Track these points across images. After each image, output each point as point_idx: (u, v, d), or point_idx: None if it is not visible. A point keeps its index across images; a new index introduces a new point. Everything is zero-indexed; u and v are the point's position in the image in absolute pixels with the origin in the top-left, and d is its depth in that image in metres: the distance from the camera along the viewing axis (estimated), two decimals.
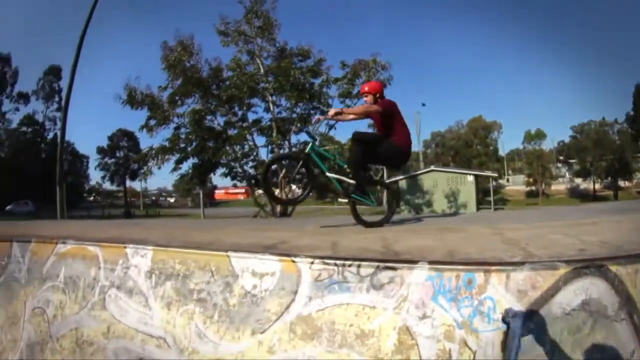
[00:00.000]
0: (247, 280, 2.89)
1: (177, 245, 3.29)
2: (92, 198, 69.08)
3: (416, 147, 53.13)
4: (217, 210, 46.28)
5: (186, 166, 13.01)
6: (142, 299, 3.22)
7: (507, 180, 66.88)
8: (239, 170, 13.37)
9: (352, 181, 4.32)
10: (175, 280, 3.13)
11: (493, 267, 2.34)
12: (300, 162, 4.34)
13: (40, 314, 3.61)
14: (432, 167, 27.25)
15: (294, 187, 12.75)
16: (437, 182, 24.64)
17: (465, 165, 52.39)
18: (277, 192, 10.93)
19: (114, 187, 67.60)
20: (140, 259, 3.34)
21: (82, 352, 3.32)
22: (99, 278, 3.46)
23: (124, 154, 60.50)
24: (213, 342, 2.83)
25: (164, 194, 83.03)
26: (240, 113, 13.19)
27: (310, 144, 4.42)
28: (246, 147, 12.90)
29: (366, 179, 4.34)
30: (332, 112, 4.35)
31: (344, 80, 12.73)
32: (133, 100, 12.41)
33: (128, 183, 63.72)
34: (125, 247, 3.43)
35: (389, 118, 4.26)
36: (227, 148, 12.40)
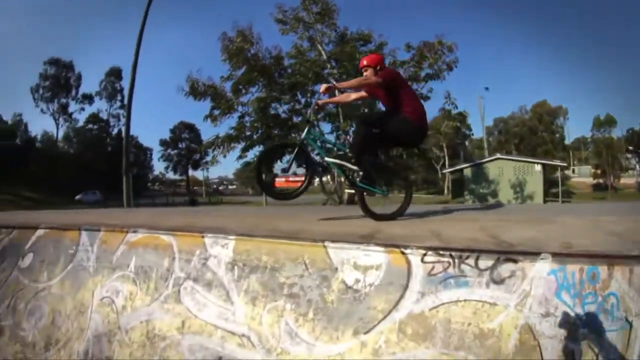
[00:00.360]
0: (348, 274, 2.64)
1: (264, 235, 3.06)
2: (156, 187, 74.17)
3: (480, 133, 51.85)
4: None
5: (252, 154, 13.12)
6: (222, 293, 3.01)
7: (573, 171, 61.53)
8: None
9: (354, 167, 3.89)
10: (261, 273, 2.91)
11: (617, 261, 2.14)
12: (296, 149, 3.95)
13: (108, 304, 3.46)
14: (498, 155, 26.28)
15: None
16: (502, 170, 23.69)
17: (530, 154, 48.06)
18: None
19: (176, 177, 72.72)
20: (220, 250, 3.13)
21: (152, 346, 3.13)
22: (173, 269, 3.28)
23: (185, 145, 65.92)
24: (307, 343, 2.58)
25: (224, 182, 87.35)
26: (304, 100, 13.16)
27: (307, 129, 4.04)
28: None
29: (373, 164, 3.91)
30: (323, 87, 3.88)
31: (410, 63, 12.50)
32: (196, 91, 12.62)
33: (190, 172, 69.08)
34: (203, 237, 3.24)
35: (394, 90, 3.83)
36: (294, 135, 12.32)
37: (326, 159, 4.02)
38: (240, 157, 13.18)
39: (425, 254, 2.46)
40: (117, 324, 3.36)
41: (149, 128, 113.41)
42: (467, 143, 61.60)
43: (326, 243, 2.77)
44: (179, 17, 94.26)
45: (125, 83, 49.75)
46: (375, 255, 2.60)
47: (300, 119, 12.79)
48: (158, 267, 3.34)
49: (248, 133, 12.65)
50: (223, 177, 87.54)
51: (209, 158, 13.77)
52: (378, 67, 3.94)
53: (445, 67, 12.91)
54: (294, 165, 3.99)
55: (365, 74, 3.95)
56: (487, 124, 56.24)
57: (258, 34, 12.88)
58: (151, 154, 67.39)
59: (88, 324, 3.51)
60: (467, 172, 25.17)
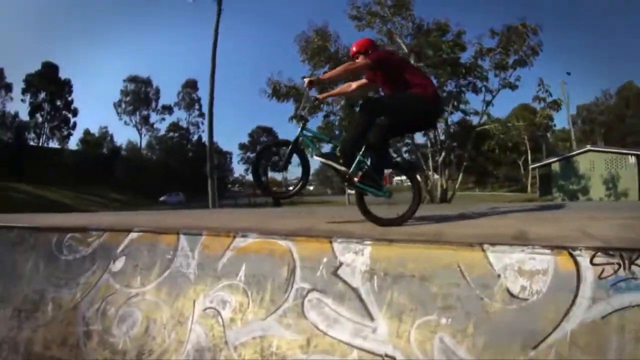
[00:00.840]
0: (513, 281, 2.36)
1: (407, 239, 2.77)
2: (236, 188, 78.77)
3: (563, 123, 48.78)
4: None
5: None
6: (358, 307, 2.71)
7: None
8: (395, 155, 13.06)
9: (342, 168, 3.56)
10: (408, 283, 2.62)
11: None
12: (290, 148, 3.77)
13: (213, 315, 3.19)
14: (589, 147, 24.38)
15: None
16: (594, 164, 21.98)
17: (618, 144, 43.59)
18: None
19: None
20: (353, 257, 2.83)
21: None
22: (294, 279, 3.00)
23: None
24: None
25: None
26: None
27: (301, 126, 3.84)
28: None
29: (377, 163, 3.57)
30: (306, 81, 3.61)
31: (497, 50, 12.14)
32: (278, 93, 12.62)
33: (269, 174, 73.01)
34: (331, 241, 2.93)
35: (392, 72, 3.50)
36: None
37: (314, 157, 3.78)
38: None
39: (594, 255, 2.22)
40: (223, 339, 3.08)
41: (228, 133, 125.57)
42: (549, 135, 53.86)
43: (485, 246, 2.49)
44: (251, 21, 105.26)
45: (201, 93, 62.91)
46: (541, 259, 2.34)
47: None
48: (275, 277, 3.07)
49: (337, 132, 12.44)
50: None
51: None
52: (369, 52, 3.66)
53: (530, 52, 12.41)
54: (293, 164, 3.89)
55: (357, 62, 3.67)
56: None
57: (335, 32, 13.00)
58: (231, 158, 75.37)
59: (188, 336, 3.23)
60: (555, 167, 23.60)
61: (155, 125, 64.80)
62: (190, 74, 79.76)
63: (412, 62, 12.05)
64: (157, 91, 63.72)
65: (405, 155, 13.33)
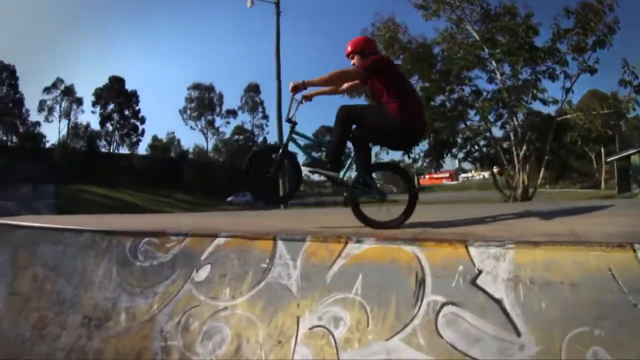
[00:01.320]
0: None
1: (556, 241, 2.58)
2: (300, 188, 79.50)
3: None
4: (428, 195, 44.81)
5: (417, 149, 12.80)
6: (502, 320, 2.41)
7: None
8: (472, 149, 12.47)
9: (330, 173, 3.59)
10: (557, 291, 2.36)
11: None
12: (280, 153, 3.77)
13: (322, 335, 2.87)
14: None
15: None
16: None
17: None
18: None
19: (321, 178, 77.10)
20: (494, 262, 2.60)
21: None
22: (424, 291, 2.70)
23: None
24: None
25: None
26: (464, 88, 12.64)
27: (289, 130, 3.83)
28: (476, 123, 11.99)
29: (366, 166, 3.57)
30: (290, 86, 3.53)
31: (574, 31, 11.52)
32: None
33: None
34: (467, 245, 2.71)
35: (382, 81, 3.42)
36: (463, 126, 11.60)
37: (302, 167, 3.82)
38: (406, 153, 12.88)
39: None
40: None
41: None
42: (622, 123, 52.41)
43: (636, 246, 2.27)
44: (312, 18, 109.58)
45: (264, 96, 69.45)
46: None
47: (460, 108, 12.17)
48: (399, 289, 2.77)
49: None
50: None
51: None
52: (366, 52, 3.59)
53: (607, 30, 11.67)
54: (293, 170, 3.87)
55: (352, 62, 3.62)
56: None
57: (403, 22, 12.88)
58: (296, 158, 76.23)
59: (291, 358, 2.90)
60: (635, 160, 22.27)
61: (220, 129, 69.98)
62: (252, 78, 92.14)
63: (485, 50, 11.61)
64: (221, 96, 68.85)
65: (483, 150, 12.61)
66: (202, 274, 3.59)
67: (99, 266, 4.08)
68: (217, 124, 69.28)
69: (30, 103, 65.97)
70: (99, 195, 43.93)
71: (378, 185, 3.60)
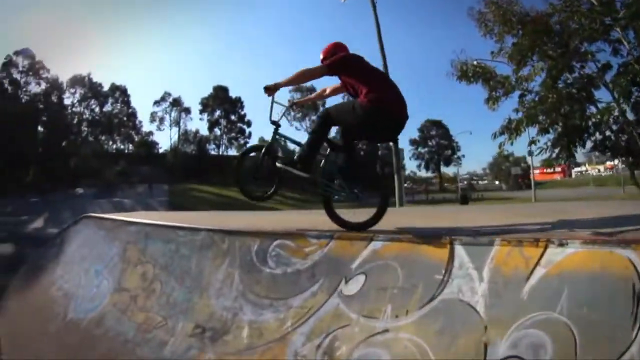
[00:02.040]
0: None
1: None
2: (406, 185, 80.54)
3: None
4: (540, 192, 41.27)
5: (544, 139, 11.11)
6: None
7: None
8: (604, 136, 10.72)
9: (301, 173, 3.62)
10: None
11: None
12: (262, 153, 3.88)
13: None
14: None
15: None
16: None
17: None
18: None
19: (428, 174, 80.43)
20: None
21: None
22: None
23: (435, 142, 74.31)
24: None
25: (474, 177, 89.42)
26: (586, 64, 10.96)
27: (273, 131, 3.94)
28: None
29: (335, 166, 3.68)
30: (265, 89, 3.70)
31: None
32: (466, 74, 11.69)
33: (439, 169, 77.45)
34: None
35: (351, 77, 3.55)
36: (594, 110, 10.10)
37: (277, 164, 3.83)
38: (532, 142, 11.16)
39: None
40: None
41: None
42: None
43: None
44: (409, 10, 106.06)
45: None
46: None
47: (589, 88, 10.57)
48: (612, 305, 1.96)
49: (541, 117, 10.68)
50: (472, 172, 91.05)
51: (460, 153, 12.24)
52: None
53: None
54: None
55: None
56: None
57: None
58: (403, 154, 77.50)
59: None
60: None
61: None
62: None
63: (607, 16, 9.88)
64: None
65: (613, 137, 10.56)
66: (353, 286, 2.86)
67: (217, 270, 3.55)
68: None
69: (143, 115, 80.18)
70: (209, 193, 47.50)
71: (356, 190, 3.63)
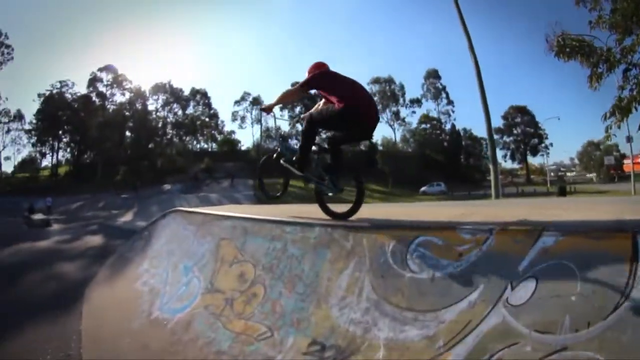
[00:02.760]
0: None
1: None
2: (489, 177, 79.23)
3: None
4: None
5: None
6: None
7: None
8: None
9: (297, 172, 4.17)
10: None
11: None
12: (274, 155, 4.59)
13: None
14: None
15: None
16: None
17: None
18: None
19: (514, 165, 77.42)
20: None
21: None
22: None
23: (520, 130, 69.50)
24: None
25: (562, 168, 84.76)
26: None
27: (280, 141, 4.67)
28: None
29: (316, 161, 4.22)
30: (261, 110, 4.54)
31: None
32: (563, 49, 10.81)
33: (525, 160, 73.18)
34: None
35: (325, 90, 4.01)
36: None
37: (281, 162, 4.43)
38: None
39: None
40: None
41: (480, 117, 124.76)
42: None
43: None
44: None
45: (445, 81, 69.97)
46: None
47: None
48: None
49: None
50: (559, 163, 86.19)
51: (547, 141, 11.10)
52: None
53: None
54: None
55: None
56: None
57: None
58: (486, 144, 73.15)
59: None
60: None
61: (406, 120, 70.87)
62: (430, 64, 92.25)
63: None
64: (402, 87, 70.18)
65: None
66: (523, 293, 2.25)
67: (340, 274, 3.04)
68: (402, 115, 70.40)
69: (224, 115, 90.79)
70: (294, 187, 46.67)
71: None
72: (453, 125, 70.35)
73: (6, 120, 60.99)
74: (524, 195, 34.54)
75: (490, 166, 13.18)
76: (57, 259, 9.47)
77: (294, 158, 4.20)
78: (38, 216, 25.59)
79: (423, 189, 46.39)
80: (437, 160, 63.81)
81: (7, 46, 56.17)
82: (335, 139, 4.03)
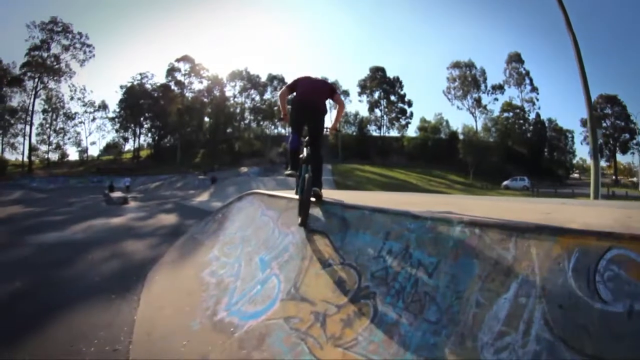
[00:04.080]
0: None
1: None
2: (576, 175, 74.08)
3: None
4: None
5: None
6: None
7: None
8: None
9: (290, 171, 4.57)
10: None
11: None
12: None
13: None
14: None
15: None
16: None
17: None
18: None
19: (602, 162, 72.27)
20: None
21: None
22: None
23: (610, 123, 62.11)
24: None
25: None
26: None
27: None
28: None
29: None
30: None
31: None
32: None
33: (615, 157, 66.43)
34: None
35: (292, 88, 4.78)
36: None
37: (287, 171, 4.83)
38: None
39: None
40: None
41: (569, 107, 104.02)
42: None
43: None
44: None
45: (528, 65, 65.39)
46: None
47: None
48: None
49: None
50: None
51: None
52: None
53: None
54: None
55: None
56: None
57: None
58: (572, 137, 67.40)
59: None
60: None
61: (488, 107, 66.68)
62: (512, 47, 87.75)
63: None
64: (483, 72, 66.46)
65: None
66: None
67: (497, 299, 2.07)
68: (484, 102, 66.23)
69: None
70: (373, 173, 48.87)
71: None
72: (537, 115, 65.60)
73: (92, 110, 69.10)
74: (613, 197, 29.86)
75: (592, 161, 11.95)
76: (126, 236, 9.37)
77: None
78: (117, 194, 27.36)
79: (505, 182, 44.73)
80: (519, 152, 60.97)
81: (88, 45, 63.88)
82: (309, 136, 4.65)
